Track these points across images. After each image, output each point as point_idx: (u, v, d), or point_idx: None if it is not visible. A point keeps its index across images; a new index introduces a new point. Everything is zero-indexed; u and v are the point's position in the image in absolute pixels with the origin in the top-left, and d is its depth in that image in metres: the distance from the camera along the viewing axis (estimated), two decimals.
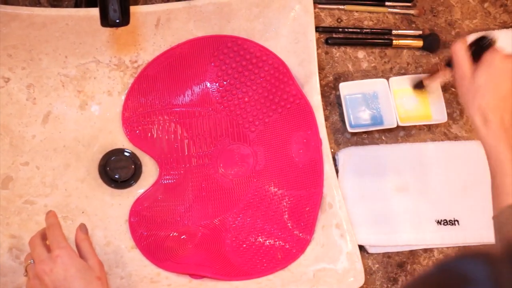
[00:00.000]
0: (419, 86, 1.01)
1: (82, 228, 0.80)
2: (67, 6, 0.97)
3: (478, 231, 0.98)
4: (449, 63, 0.88)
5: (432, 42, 1.08)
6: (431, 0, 1.11)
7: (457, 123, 1.06)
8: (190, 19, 0.95)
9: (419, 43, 1.08)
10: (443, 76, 0.93)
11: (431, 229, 0.98)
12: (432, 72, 0.96)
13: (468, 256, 0.48)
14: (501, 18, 1.13)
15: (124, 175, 0.93)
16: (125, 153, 0.94)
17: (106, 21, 0.75)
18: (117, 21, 0.75)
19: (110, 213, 0.92)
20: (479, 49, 0.81)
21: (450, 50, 0.84)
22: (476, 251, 0.48)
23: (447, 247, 0.99)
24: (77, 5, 0.96)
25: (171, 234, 0.92)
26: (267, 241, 0.92)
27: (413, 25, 1.10)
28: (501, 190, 0.75)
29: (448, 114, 1.02)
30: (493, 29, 1.12)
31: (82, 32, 0.91)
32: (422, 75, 1.00)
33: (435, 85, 1.00)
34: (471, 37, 0.84)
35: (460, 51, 0.82)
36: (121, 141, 0.95)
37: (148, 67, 0.95)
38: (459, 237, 0.98)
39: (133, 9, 0.91)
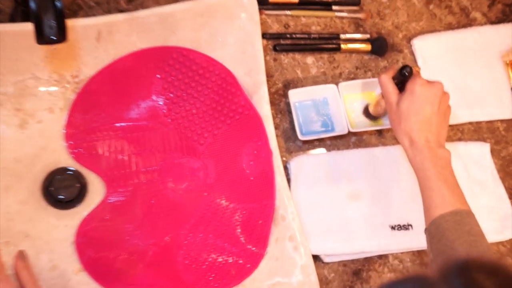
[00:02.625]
0: (368, 115, 1.04)
1: (21, 255, 0.78)
2: (1, 21, 0.94)
3: None
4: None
5: (380, 46, 1.10)
6: (377, 3, 1.13)
7: None
8: (132, 31, 0.93)
9: (368, 47, 1.09)
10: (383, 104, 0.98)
11: (386, 234, 0.99)
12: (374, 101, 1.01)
13: (408, 280, 0.49)
14: (446, 20, 1.15)
15: (69, 195, 0.91)
16: (70, 172, 0.92)
17: (42, 38, 0.73)
18: (54, 38, 0.73)
19: (56, 236, 0.89)
20: (402, 78, 0.89)
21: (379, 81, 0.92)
22: (414, 275, 0.52)
23: (402, 252, 1.01)
24: (12, 19, 0.93)
25: (120, 255, 0.90)
26: (220, 257, 0.92)
27: (361, 29, 1.11)
28: (429, 203, 0.81)
29: None
30: (439, 30, 1.14)
31: (18, 47, 0.88)
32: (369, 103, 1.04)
33: (383, 111, 1.01)
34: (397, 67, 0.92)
35: (386, 83, 0.90)
36: (65, 160, 0.92)
37: (91, 82, 0.93)
38: (413, 241, 0.99)
39: (71, 22, 0.89)
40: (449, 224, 0.77)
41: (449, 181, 0.81)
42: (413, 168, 0.85)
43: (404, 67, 0.88)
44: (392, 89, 0.89)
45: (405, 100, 0.85)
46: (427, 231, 0.80)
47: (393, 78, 0.90)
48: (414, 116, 0.84)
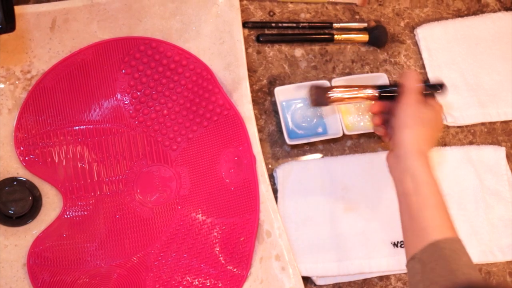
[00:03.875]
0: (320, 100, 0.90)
1: None
2: None
3: None
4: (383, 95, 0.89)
5: (378, 36, 1.06)
6: None
7: None
8: (92, 19, 0.90)
9: (365, 37, 1.06)
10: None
11: (387, 252, 0.95)
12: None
13: None
14: (454, 6, 1.12)
15: (20, 210, 0.86)
16: (20, 183, 0.88)
17: None
18: (0, 27, 0.71)
19: (4, 257, 0.85)
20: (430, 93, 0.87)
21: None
22: None
23: (405, 273, 0.96)
24: None
25: (80, 278, 0.86)
26: (196, 280, 0.88)
27: (357, 17, 1.08)
28: (421, 225, 0.77)
29: None
30: (446, 18, 1.10)
31: None
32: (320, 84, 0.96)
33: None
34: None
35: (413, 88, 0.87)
36: (15, 168, 0.88)
37: (45, 78, 0.89)
38: None
39: (21, 9, 0.86)
40: (447, 252, 0.74)
41: (442, 202, 0.80)
42: (403, 179, 0.81)
43: (439, 85, 0.87)
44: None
45: (429, 112, 0.84)
46: (414, 260, 0.76)
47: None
48: (433, 129, 0.84)
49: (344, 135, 0.97)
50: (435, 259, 0.73)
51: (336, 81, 1.00)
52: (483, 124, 1.07)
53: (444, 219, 0.78)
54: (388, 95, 0.87)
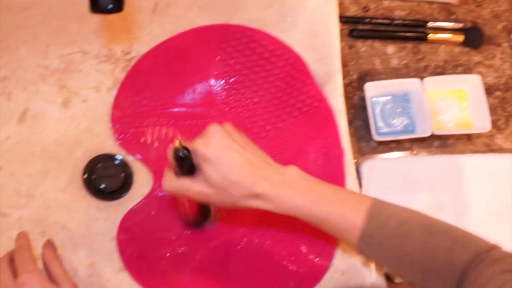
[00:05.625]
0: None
1: (49, 245, 0.79)
2: None
3: None
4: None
5: (474, 37, 1.08)
6: None
7: (502, 132, 1.05)
8: (192, 5, 0.94)
9: (459, 37, 1.08)
10: None
11: None
12: None
13: None
14: None
15: (112, 185, 0.92)
16: (114, 160, 0.93)
17: (96, 6, 0.75)
18: (109, 6, 0.75)
19: (95, 229, 0.91)
20: (181, 162, 0.75)
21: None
22: None
23: None
24: None
25: (166, 256, 0.91)
26: (278, 267, 0.91)
27: (453, 17, 1.10)
28: (342, 222, 0.75)
29: (492, 122, 1.02)
30: None
31: (67, 17, 0.91)
32: None
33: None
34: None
35: (178, 184, 0.78)
36: (110, 145, 0.94)
37: (143, 60, 0.95)
38: None
39: None
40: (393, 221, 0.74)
41: (330, 192, 0.77)
42: (289, 214, 0.77)
43: (176, 150, 0.73)
44: (190, 182, 0.77)
45: (209, 172, 0.74)
46: (370, 239, 0.74)
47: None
48: (231, 174, 0.74)
49: (432, 134, 0.99)
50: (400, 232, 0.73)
51: (428, 81, 1.02)
52: None
53: (348, 196, 0.77)
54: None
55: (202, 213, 0.91)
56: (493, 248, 0.71)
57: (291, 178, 0.76)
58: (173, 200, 0.91)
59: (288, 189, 0.75)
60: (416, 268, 0.72)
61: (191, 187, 0.76)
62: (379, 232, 0.73)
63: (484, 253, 0.69)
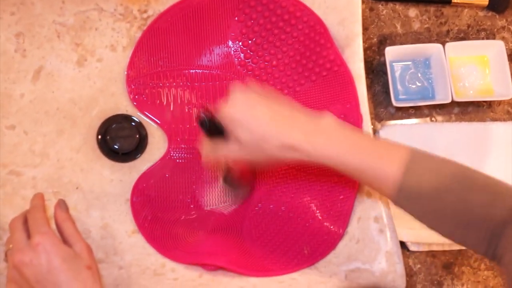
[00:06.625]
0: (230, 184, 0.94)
1: (62, 205, 0.79)
2: None
3: None
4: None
5: (499, 1, 1.06)
6: None
7: None
8: None
9: (484, 1, 1.05)
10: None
11: None
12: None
13: None
14: None
15: (126, 146, 0.92)
16: (129, 121, 0.93)
17: None
18: None
19: (109, 190, 0.91)
20: (209, 127, 0.78)
21: None
22: None
23: None
24: None
25: (180, 219, 0.91)
26: (292, 233, 0.91)
27: None
28: (380, 171, 0.75)
29: None
30: None
31: None
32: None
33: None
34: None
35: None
36: (125, 106, 0.94)
37: (160, 19, 0.93)
38: None
39: None
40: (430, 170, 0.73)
41: (368, 142, 0.77)
42: (325, 163, 0.76)
43: (203, 119, 0.77)
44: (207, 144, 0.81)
45: (239, 132, 0.75)
46: (403, 192, 0.74)
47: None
48: (260, 128, 0.75)
49: (452, 101, 0.97)
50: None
51: (450, 46, 1.01)
52: None
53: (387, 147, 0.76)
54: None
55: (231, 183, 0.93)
56: None
57: (326, 127, 0.76)
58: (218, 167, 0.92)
59: (323, 138, 0.75)
60: (455, 223, 0.72)
61: (227, 151, 0.78)
62: (417, 185, 0.73)
63: None
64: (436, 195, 0.72)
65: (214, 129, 0.77)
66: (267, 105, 0.75)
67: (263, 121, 0.75)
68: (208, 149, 0.81)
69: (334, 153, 0.75)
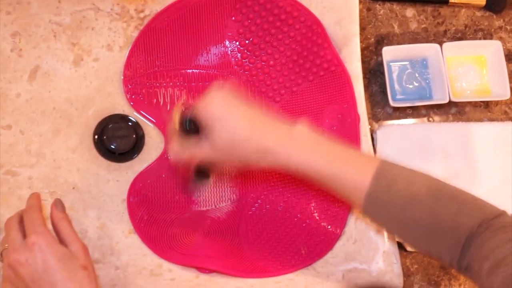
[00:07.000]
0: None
1: (58, 204, 0.78)
2: None
3: None
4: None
5: (497, 1, 1.05)
6: None
7: None
8: None
9: (481, 1, 1.05)
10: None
11: None
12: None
13: None
14: None
15: (123, 146, 0.92)
16: (126, 121, 0.93)
17: None
18: None
19: (106, 191, 0.91)
20: (189, 128, 0.79)
21: None
22: None
23: None
24: None
25: (176, 219, 0.91)
26: (289, 233, 0.91)
27: None
28: (347, 181, 0.75)
29: (511, 89, 1.00)
30: None
31: None
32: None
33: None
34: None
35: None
36: (121, 106, 0.93)
37: (157, 19, 0.93)
38: None
39: None
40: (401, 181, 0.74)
41: (340, 151, 0.77)
42: (297, 171, 0.77)
43: (181, 113, 0.78)
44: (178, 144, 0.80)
45: (216, 131, 0.75)
46: (373, 202, 0.74)
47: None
48: (238, 130, 0.75)
49: (449, 101, 0.97)
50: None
51: (447, 46, 1.00)
52: None
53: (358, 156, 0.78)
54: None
55: (198, 175, 0.91)
56: (500, 214, 0.71)
57: (299, 134, 0.76)
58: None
59: (296, 145, 0.76)
60: (421, 232, 0.73)
61: (198, 149, 0.77)
62: (385, 193, 0.73)
63: (491, 220, 0.69)
64: (404, 204, 0.73)
65: (191, 126, 0.77)
66: (244, 108, 0.76)
67: (241, 121, 0.75)
68: (179, 147, 0.80)
69: (305, 160, 0.75)
